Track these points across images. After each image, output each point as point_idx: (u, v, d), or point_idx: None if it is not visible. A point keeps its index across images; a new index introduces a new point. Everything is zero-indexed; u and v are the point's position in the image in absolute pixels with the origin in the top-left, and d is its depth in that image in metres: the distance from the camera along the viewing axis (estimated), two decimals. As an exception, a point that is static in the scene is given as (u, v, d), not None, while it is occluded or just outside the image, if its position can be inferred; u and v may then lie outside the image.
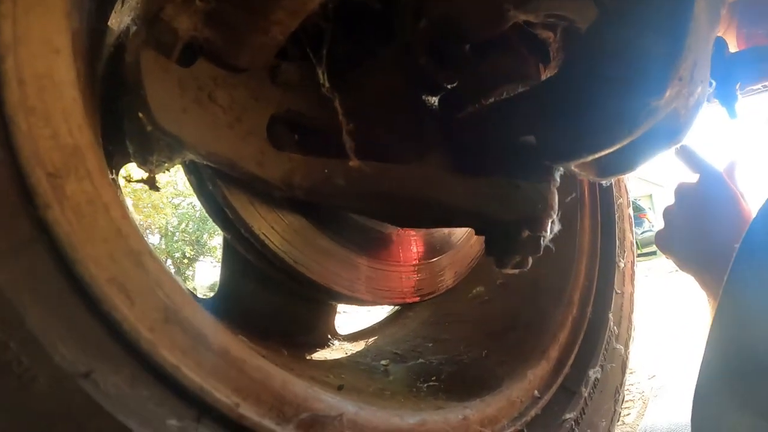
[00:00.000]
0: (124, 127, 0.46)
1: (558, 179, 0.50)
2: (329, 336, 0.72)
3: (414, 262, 0.66)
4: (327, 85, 0.45)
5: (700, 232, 0.78)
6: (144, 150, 0.45)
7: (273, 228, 0.52)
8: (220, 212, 0.51)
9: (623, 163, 0.47)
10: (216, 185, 0.50)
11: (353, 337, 0.79)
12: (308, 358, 0.62)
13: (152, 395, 0.26)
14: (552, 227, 0.52)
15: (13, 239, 0.24)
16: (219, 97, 0.45)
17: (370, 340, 0.78)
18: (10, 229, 0.25)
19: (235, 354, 0.32)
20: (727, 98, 0.73)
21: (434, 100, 0.50)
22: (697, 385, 0.57)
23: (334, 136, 0.50)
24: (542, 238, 0.51)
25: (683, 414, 1.09)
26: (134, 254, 0.29)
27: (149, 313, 0.28)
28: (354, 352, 0.71)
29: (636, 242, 1.11)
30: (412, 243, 0.65)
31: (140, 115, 0.42)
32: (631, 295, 0.87)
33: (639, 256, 1.16)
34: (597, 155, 0.43)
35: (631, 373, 1.29)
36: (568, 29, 0.51)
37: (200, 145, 0.43)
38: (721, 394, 0.51)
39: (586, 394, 0.70)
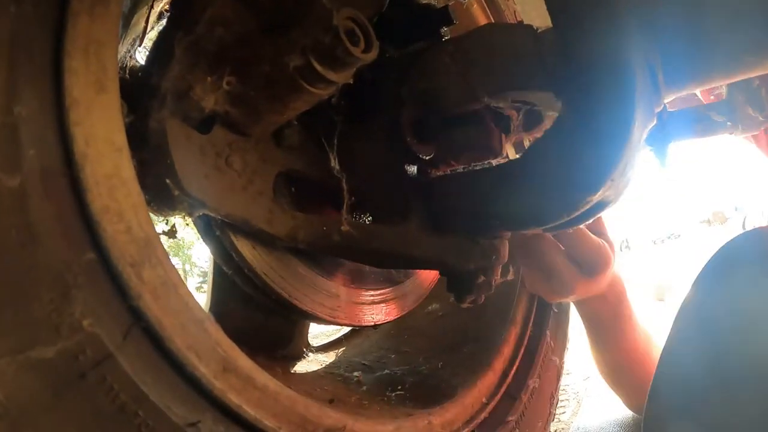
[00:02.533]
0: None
1: (509, 234, 0.64)
2: (304, 348, 0.83)
3: (383, 289, 0.78)
4: (337, 167, 0.55)
5: None
6: (164, 205, 0.54)
7: (271, 267, 0.63)
8: (226, 254, 0.61)
9: (563, 226, 0.61)
10: (224, 232, 0.59)
11: (323, 348, 0.91)
12: (293, 372, 0.73)
13: (228, 430, 0.37)
14: (504, 272, 0.66)
15: (122, 330, 0.34)
16: (234, 162, 0.55)
17: (339, 351, 0.91)
18: (117, 321, 0.34)
19: (272, 388, 0.44)
20: (660, 153, 0.87)
21: (413, 168, 0.61)
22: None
23: (329, 191, 0.61)
24: (494, 281, 0.65)
25: (613, 413, 1.30)
26: (199, 322, 0.40)
27: (214, 366, 0.39)
28: (328, 363, 0.84)
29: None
30: (382, 273, 0.77)
31: (167, 181, 0.51)
32: (567, 311, 1.04)
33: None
34: (542, 228, 0.57)
35: (567, 374, 1.50)
36: (529, 111, 0.64)
37: (220, 207, 0.53)
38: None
39: (525, 400, 0.87)
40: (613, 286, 1.02)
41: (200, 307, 0.41)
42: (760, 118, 0.89)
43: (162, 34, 0.54)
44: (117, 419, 0.32)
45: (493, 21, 1.06)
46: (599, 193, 0.53)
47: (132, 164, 0.42)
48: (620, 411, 1.28)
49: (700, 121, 0.92)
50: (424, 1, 0.76)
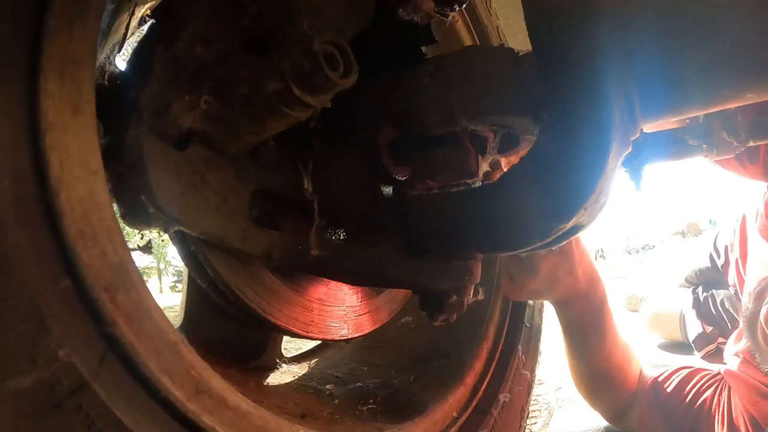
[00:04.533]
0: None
1: (482, 256, 0.66)
2: (277, 360, 0.85)
3: (357, 304, 0.80)
4: (310, 189, 0.57)
5: None
6: (139, 221, 0.55)
7: (245, 282, 0.64)
8: (200, 268, 0.62)
9: (536, 248, 0.64)
10: (199, 247, 0.61)
11: (296, 359, 0.93)
12: (265, 384, 0.75)
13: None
14: (475, 292, 0.68)
15: (97, 357, 0.35)
16: (210, 180, 0.56)
17: (312, 362, 0.93)
18: (92, 348, 0.36)
19: (244, 408, 0.45)
20: (635, 175, 0.90)
21: (389, 188, 0.63)
22: None
23: (304, 207, 0.63)
24: (466, 300, 0.68)
25: (584, 423, 1.35)
26: (173, 345, 0.41)
27: (188, 388, 0.40)
28: (300, 375, 0.85)
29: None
30: (356, 289, 0.79)
31: (143, 197, 0.52)
32: (539, 326, 1.07)
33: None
34: (514, 252, 0.59)
35: (539, 384, 1.54)
36: (507, 133, 0.67)
37: (195, 224, 0.54)
38: None
39: (496, 414, 0.90)
40: (596, 288, 1.07)
41: (174, 329, 0.42)
42: (735, 144, 0.93)
43: (142, 46, 0.55)
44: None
45: (476, 38, 1.09)
46: (572, 221, 0.56)
47: (107, 187, 0.42)
48: (591, 422, 1.33)
49: (676, 144, 0.95)
50: (406, 18, 0.77)
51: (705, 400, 1.10)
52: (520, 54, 0.65)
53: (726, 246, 1.89)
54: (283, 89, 0.46)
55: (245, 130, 0.53)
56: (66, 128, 0.40)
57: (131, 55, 0.56)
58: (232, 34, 0.53)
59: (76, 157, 0.40)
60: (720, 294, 1.94)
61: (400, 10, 0.77)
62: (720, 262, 1.96)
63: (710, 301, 1.97)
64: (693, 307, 2.04)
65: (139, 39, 0.57)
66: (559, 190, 0.55)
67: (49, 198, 0.37)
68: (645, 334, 2.31)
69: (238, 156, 0.59)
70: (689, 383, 1.14)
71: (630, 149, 0.62)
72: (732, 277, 1.80)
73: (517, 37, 1.25)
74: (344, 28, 0.59)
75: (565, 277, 1.01)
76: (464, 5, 0.84)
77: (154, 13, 0.60)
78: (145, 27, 0.63)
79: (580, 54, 0.56)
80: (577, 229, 0.62)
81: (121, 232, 0.42)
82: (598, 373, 1.18)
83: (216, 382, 0.44)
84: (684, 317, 2.08)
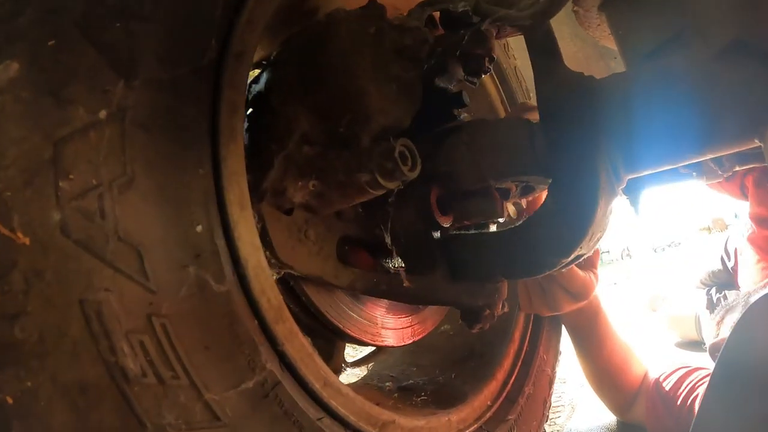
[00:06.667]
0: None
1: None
2: (342, 365, 1.14)
3: (410, 316, 1.09)
4: (389, 242, 0.85)
5: None
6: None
7: (330, 306, 0.93)
8: (295, 297, 0.91)
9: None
10: (296, 282, 0.89)
11: (355, 364, 1.22)
12: (340, 384, 1.04)
13: (332, 422, 0.68)
14: (503, 306, 0.97)
15: (279, 366, 0.64)
16: (310, 235, 0.84)
17: (369, 365, 1.22)
18: (275, 360, 0.64)
19: (351, 395, 0.73)
20: (634, 200, 1.17)
21: (437, 233, 0.92)
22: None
23: (370, 246, 0.92)
24: (496, 313, 0.96)
25: (602, 418, 1.64)
26: (310, 355, 0.70)
27: (320, 383, 0.69)
28: (363, 376, 1.14)
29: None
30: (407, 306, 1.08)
31: (268, 253, 0.80)
32: (559, 332, 1.35)
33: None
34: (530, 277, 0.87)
35: (563, 383, 1.84)
36: (524, 186, 0.94)
37: (302, 268, 0.82)
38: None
39: (522, 403, 1.18)
40: (589, 301, 1.35)
41: (309, 342, 0.71)
42: (719, 172, 1.20)
43: (260, 145, 0.83)
44: (283, 420, 0.62)
45: (495, 78, 1.36)
46: (571, 257, 0.84)
47: (264, 255, 0.71)
48: (607, 417, 1.62)
49: (669, 172, 1.22)
50: (442, 86, 1.05)
51: (699, 393, 1.37)
52: (534, 125, 0.92)
53: (735, 249, 2.13)
54: (372, 180, 0.74)
55: (339, 202, 0.81)
56: (238, 221, 0.68)
57: (249, 145, 0.84)
58: (326, 135, 0.81)
59: (248, 239, 0.68)
60: (731, 294, 2.17)
61: (437, 79, 1.05)
62: (730, 265, 2.20)
63: (722, 302, 2.21)
64: (707, 308, 2.27)
65: (252, 140, 0.84)
66: (560, 237, 0.82)
67: (240, 270, 0.65)
68: (664, 333, 2.57)
69: (328, 215, 0.88)
70: (687, 379, 1.41)
71: (619, 194, 0.89)
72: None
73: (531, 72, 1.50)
74: (404, 119, 0.87)
75: None
76: (489, 73, 1.11)
77: (254, 106, 0.88)
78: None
79: (577, 132, 0.83)
80: (578, 257, 0.90)
81: (276, 285, 0.71)
82: (600, 372, 1.48)
83: (333, 378, 0.73)
84: (699, 318, 2.33)
